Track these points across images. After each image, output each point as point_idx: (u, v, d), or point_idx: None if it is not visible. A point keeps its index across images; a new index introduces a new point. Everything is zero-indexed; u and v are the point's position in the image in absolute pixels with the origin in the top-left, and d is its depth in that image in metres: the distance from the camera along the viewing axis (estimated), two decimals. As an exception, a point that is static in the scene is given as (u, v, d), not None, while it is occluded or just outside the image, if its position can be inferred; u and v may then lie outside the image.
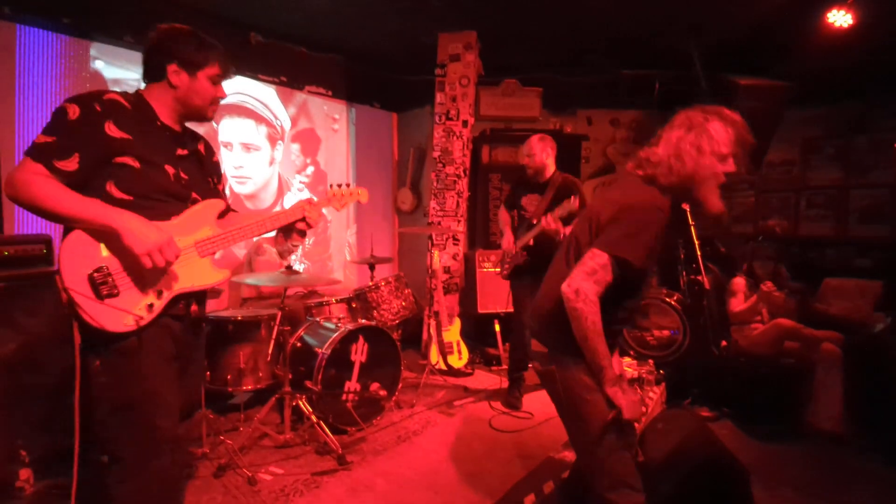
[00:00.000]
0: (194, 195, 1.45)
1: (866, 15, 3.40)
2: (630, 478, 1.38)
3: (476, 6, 3.81)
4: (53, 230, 2.54)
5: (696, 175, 1.37)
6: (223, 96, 1.49)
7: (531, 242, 3.04)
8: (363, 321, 3.05)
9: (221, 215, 1.53)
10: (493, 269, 4.42)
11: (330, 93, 4.83)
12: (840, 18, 3.45)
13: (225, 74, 1.46)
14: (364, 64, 4.98)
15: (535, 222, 3.05)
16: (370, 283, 3.35)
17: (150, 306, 1.31)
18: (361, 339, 2.87)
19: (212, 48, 1.43)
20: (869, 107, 4.72)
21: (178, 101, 1.42)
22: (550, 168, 3.13)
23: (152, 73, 1.41)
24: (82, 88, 3.24)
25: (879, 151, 4.72)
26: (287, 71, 4.43)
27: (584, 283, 1.31)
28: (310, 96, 4.64)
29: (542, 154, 3.08)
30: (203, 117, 1.49)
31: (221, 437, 2.51)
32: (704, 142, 1.36)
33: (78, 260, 1.25)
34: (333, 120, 4.86)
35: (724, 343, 3.37)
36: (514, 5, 3.73)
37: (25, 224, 2.97)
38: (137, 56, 1.49)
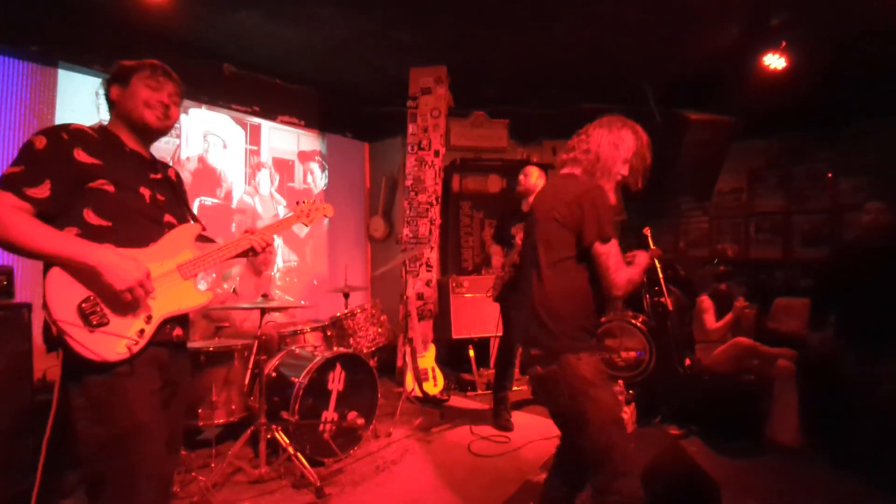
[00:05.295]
0: (168, 218, 1.45)
1: (797, 59, 3.78)
2: (629, 467, 1.49)
3: (446, 43, 4.00)
4: (15, 261, 2.46)
5: (604, 165, 1.64)
6: (161, 99, 1.43)
7: (517, 260, 3.16)
8: (339, 349, 3.03)
9: (199, 238, 1.54)
10: (468, 295, 4.49)
11: (303, 122, 4.89)
12: (775, 61, 3.82)
13: (154, 72, 1.43)
14: (337, 95, 5.09)
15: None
16: (346, 311, 3.35)
17: (141, 332, 1.31)
18: (339, 367, 2.84)
19: (141, 61, 1.45)
20: (807, 139, 5.17)
21: (121, 118, 1.44)
22: None
23: (108, 106, 1.46)
24: (50, 115, 3.17)
25: (816, 180, 5.16)
26: (260, 101, 4.48)
27: (623, 272, 1.54)
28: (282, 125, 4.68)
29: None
30: (145, 124, 1.42)
31: (193, 474, 2.42)
32: (619, 142, 1.64)
33: (65, 292, 1.24)
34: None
35: (687, 361, 3.52)
36: (482, 42, 3.94)
37: (-18, 256, 2.84)
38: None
